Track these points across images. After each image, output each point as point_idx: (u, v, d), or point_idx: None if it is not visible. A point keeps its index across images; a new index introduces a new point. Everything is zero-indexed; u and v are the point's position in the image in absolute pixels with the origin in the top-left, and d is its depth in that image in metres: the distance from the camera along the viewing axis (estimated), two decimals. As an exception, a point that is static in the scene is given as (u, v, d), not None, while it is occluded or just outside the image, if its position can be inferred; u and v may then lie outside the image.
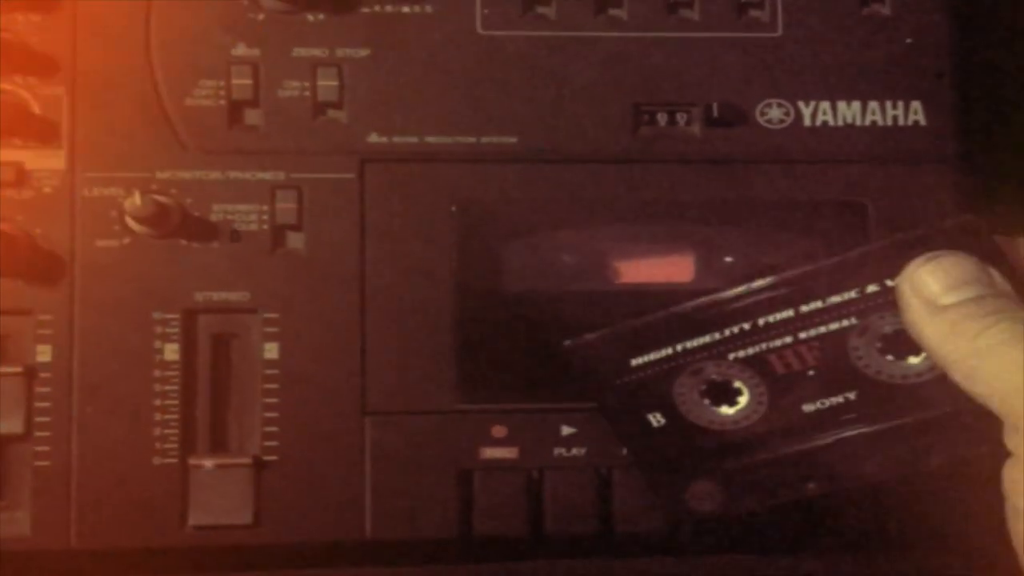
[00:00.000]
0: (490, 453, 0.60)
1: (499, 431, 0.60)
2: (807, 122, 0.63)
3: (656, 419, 0.55)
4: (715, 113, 0.62)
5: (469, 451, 0.60)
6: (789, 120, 0.63)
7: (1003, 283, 0.47)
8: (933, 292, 0.48)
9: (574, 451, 0.60)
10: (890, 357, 0.54)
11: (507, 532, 0.60)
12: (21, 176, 0.58)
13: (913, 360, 0.54)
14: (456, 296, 0.60)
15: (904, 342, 0.52)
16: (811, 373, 0.54)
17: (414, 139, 0.61)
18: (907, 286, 0.49)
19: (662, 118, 0.63)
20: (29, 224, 0.57)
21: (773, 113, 0.63)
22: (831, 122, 0.63)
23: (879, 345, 0.54)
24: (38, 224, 0.57)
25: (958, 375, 0.48)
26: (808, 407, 0.55)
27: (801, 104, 0.63)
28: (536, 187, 0.62)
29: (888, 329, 0.53)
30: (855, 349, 0.54)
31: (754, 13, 0.63)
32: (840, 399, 0.55)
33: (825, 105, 0.63)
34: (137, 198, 0.56)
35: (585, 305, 0.61)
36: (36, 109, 0.59)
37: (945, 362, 0.48)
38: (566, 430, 0.60)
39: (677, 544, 0.61)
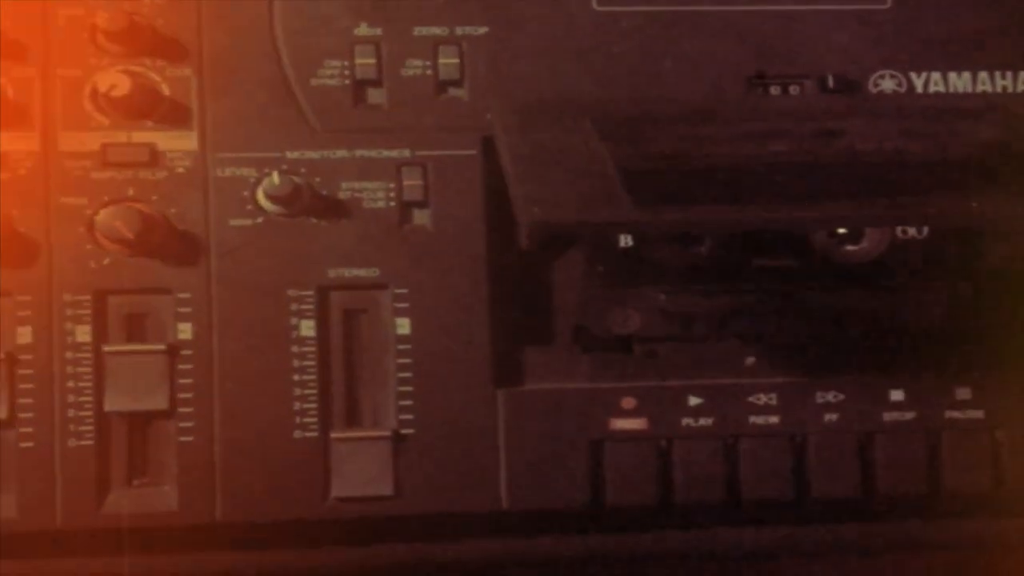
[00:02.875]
0: (620, 424, 0.60)
1: (628, 403, 0.60)
2: (919, 91, 0.63)
3: None
4: (830, 84, 0.62)
5: (600, 422, 0.60)
6: (902, 90, 0.63)
7: None
8: None
9: (701, 421, 0.60)
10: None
11: (637, 502, 0.59)
12: (155, 157, 0.58)
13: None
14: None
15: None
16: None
17: None
18: None
19: (776, 90, 0.63)
20: (163, 204, 0.58)
21: (886, 84, 0.63)
22: (943, 92, 0.63)
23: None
24: (173, 204, 0.58)
25: None
26: None
27: (913, 75, 0.63)
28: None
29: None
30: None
31: None
32: None
33: (936, 75, 0.63)
34: (276, 178, 0.57)
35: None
36: (166, 91, 0.59)
37: None
38: (693, 400, 0.60)
39: (803, 512, 0.60)
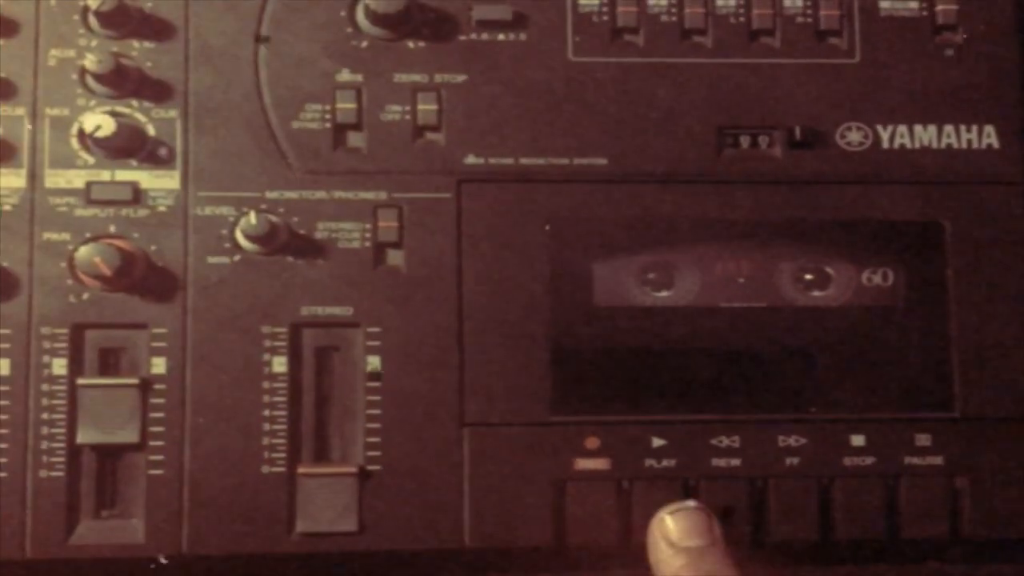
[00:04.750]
0: (583, 464, 0.56)
1: (592, 442, 0.56)
2: (885, 145, 0.60)
3: None
4: (797, 136, 0.59)
5: (563, 462, 0.56)
6: (868, 143, 0.60)
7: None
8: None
9: (664, 463, 0.57)
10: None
11: (599, 541, 0.56)
12: (137, 195, 0.55)
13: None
14: (550, 311, 0.57)
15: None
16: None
17: (509, 160, 0.58)
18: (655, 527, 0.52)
19: (745, 141, 0.60)
20: (144, 241, 0.55)
21: (853, 136, 0.60)
22: (908, 145, 0.60)
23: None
24: (153, 241, 0.55)
25: None
26: None
27: (879, 128, 0.60)
28: (625, 206, 0.58)
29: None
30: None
31: (833, 41, 0.60)
32: None
33: (903, 129, 0.60)
34: (252, 217, 0.54)
35: (672, 319, 0.59)
36: (151, 131, 0.56)
37: None
38: (657, 442, 0.57)
39: (762, 554, 0.57)
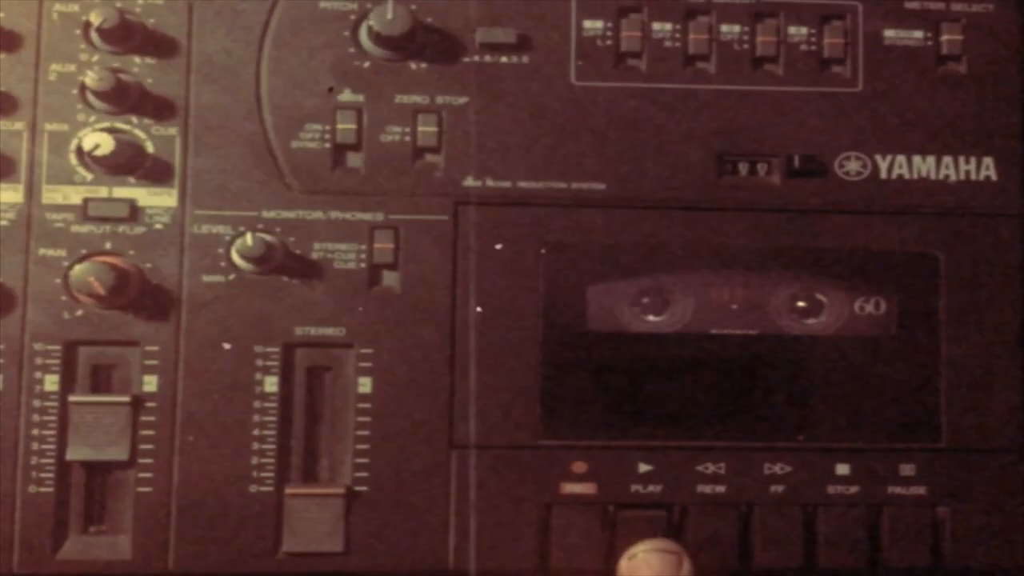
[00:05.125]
0: (570, 488, 0.55)
1: (579, 467, 0.55)
2: (883, 175, 0.58)
3: None
4: (796, 164, 0.57)
5: (550, 486, 0.55)
6: (866, 172, 0.58)
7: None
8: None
9: (650, 488, 0.55)
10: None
11: (583, 566, 0.55)
12: (134, 212, 0.54)
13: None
14: (542, 335, 0.56)
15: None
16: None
17: (507, 183, 0.56)
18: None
19: (744, 168, 0.58)
20: (140, 259, 0.54)
21: (851, 165, 0.58)
22: (906, 175, 0.58)
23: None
24: (149, 259, 0.53)
25: None
26: None
27: (878, 157, 0.58)
28: (622, 232, 0.57)
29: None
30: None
31: (836, 69, 0.58)
32: None
33: (901, 159, 0.58)
34: (248, 238, 0.52)
35: (664, 347, 0.57)
36: (150, 148, 0.54)
37: None
38: (643, 467, 0.56)
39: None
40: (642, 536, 0.54)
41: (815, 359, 0.57)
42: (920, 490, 0.56)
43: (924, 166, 0.58)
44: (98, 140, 0.53)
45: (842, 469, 0.56)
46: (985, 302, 0.57)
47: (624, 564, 0.52)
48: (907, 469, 0.56)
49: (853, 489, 0.56)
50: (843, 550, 0.56)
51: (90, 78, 0.53)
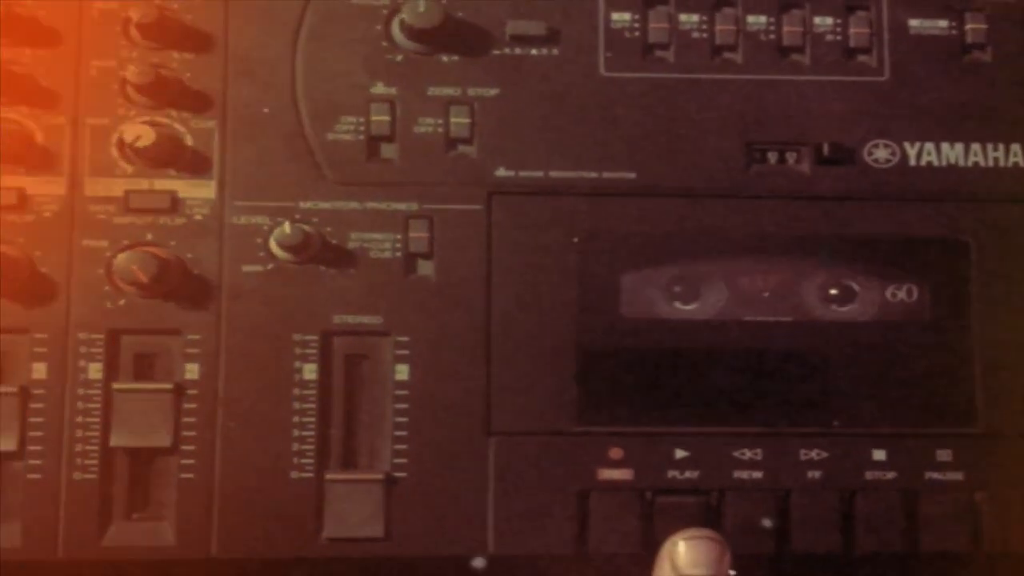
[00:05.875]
0: (607, 474, 0.54)
1: (616, 453, 0.54)
2: (912, 162, 0.57)
3: None
4: (825, 152, 0.57)
5: (587, 472, 0.54)
6: (895, 160, 0.57)
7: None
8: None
9: (687, 474, 0.55)
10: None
11: (620, 550, 0.54)
12: (175, 204, 0.54)
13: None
14: (577, 322, 0.55)
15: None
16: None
17: (539, 173, 0.56)
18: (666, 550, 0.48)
19: (773, 156, 0.57)
20: (180, 249, 0.53)
21: (880, 153, 0.57)
22: (935, 163, 0.57)
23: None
24: (189, 249, 0.53)
25: None
26: None
27: (907, 145, 0.57)
28: (653, 220, 0.56)
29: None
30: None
31: (862, 58, 0.58)
32: None
33: (930, 146, 0.57)
34: (287, 227, 0.52)
35: (699, 334, 0.56)
36: (189, 141, 0.54)
37: None
38: (680, 453, 0.55)
39: (783, 567, 0.56)
40: (679, 521, 0.53)
41: (849, 346, 0.56)
42: (957, 475, 0.55)
43: (952, 153, 0.58)
44: (139, 132, 0.53)
45: (878, 455, 0.55)
46: (1017, 287, 0.56)
47: (666, 547, 0.51)
48: (944, 455, 0.56)
49: (890, 475, 0.55)
50: (880, 535, 0.55)
51: (131, 72, 0.53)
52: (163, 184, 0.54)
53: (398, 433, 0.54)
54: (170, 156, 0.54)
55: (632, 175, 0.57)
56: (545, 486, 0.54)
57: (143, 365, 0.53)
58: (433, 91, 0.56)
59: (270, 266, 0.54)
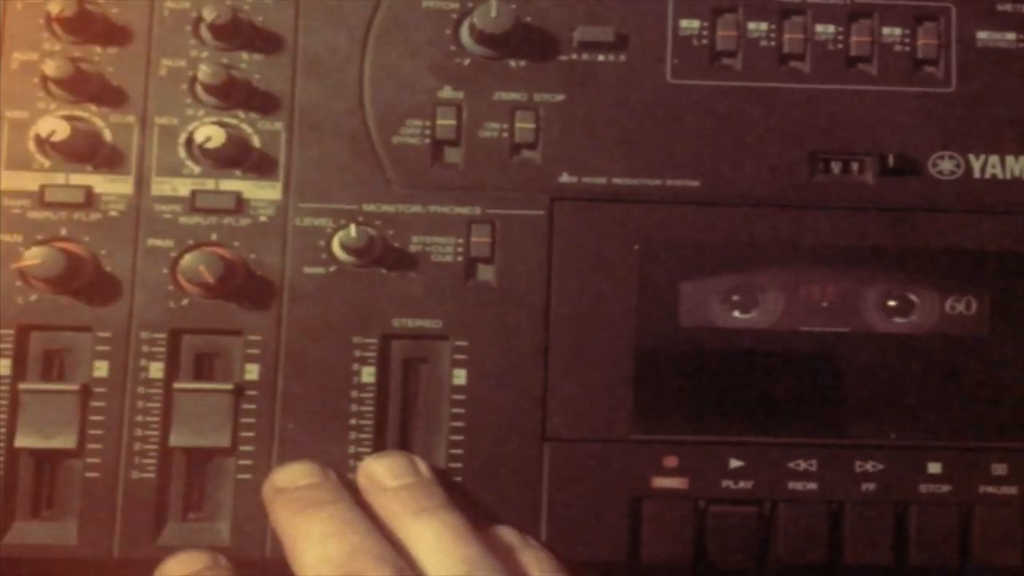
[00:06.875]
0: (661, 482, 0.49)
1: (671, 461, 0.49)
2: (977, 174, 0.51)
3: None
4: (890, 163, 0.51)
5: (641, 479, 0.49)
6: (960, 172, 0.51)
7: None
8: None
9: (741, 484, 0.49)
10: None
11: (673, 559, 0.48)
12: (240, 205, 0.49)
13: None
14: (635, 330, 0.49)
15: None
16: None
17: (602, 180, 0.50)
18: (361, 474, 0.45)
19: (837, 166, 0.51)
20: (244, 250, 0.49)
21: (944, 165, 0.51)
22: (1000, 175, 0.51)
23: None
24: (253, 250, 0.49)
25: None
26: None
27: (972, 157, 0.51)
28: (716, 229, 0.50)
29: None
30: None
31: (929, 69, 0.52)
32: None
33: (994, 159, 0.51)
34: (352, 230, 0.47)
35: (755, 343, 0.50)
36: (256, 143, 0.49)
37: None
38: (734, 463, 0.49)
39: None
40: (732, 531, 0.48)
41: (906, 357, 0.50)
42: (1012, 490, 0.50)
43: (1017, 166, 0.51)
44: (210, 133, 0.47)
45: (934, 468, 0.50)
46: (1078, 302, 0.52)
47: (360, 474, 0.45)
48: (999, 468, 0.50)
49: (945, 488, 0.50)
50: (934, 549, 0.49)
51: (203, 72, 0.48)
52: (229, 185, 0.49)
53: (454, 437, 0.49)
54: (237, 157, 0.49)
55: (695, 183, 0.51)
56: (599, 493, 0.49)
57: (203, 365, 0.49)
58: (499, 96, 0.51)
59: (332, 268, 0.49)
